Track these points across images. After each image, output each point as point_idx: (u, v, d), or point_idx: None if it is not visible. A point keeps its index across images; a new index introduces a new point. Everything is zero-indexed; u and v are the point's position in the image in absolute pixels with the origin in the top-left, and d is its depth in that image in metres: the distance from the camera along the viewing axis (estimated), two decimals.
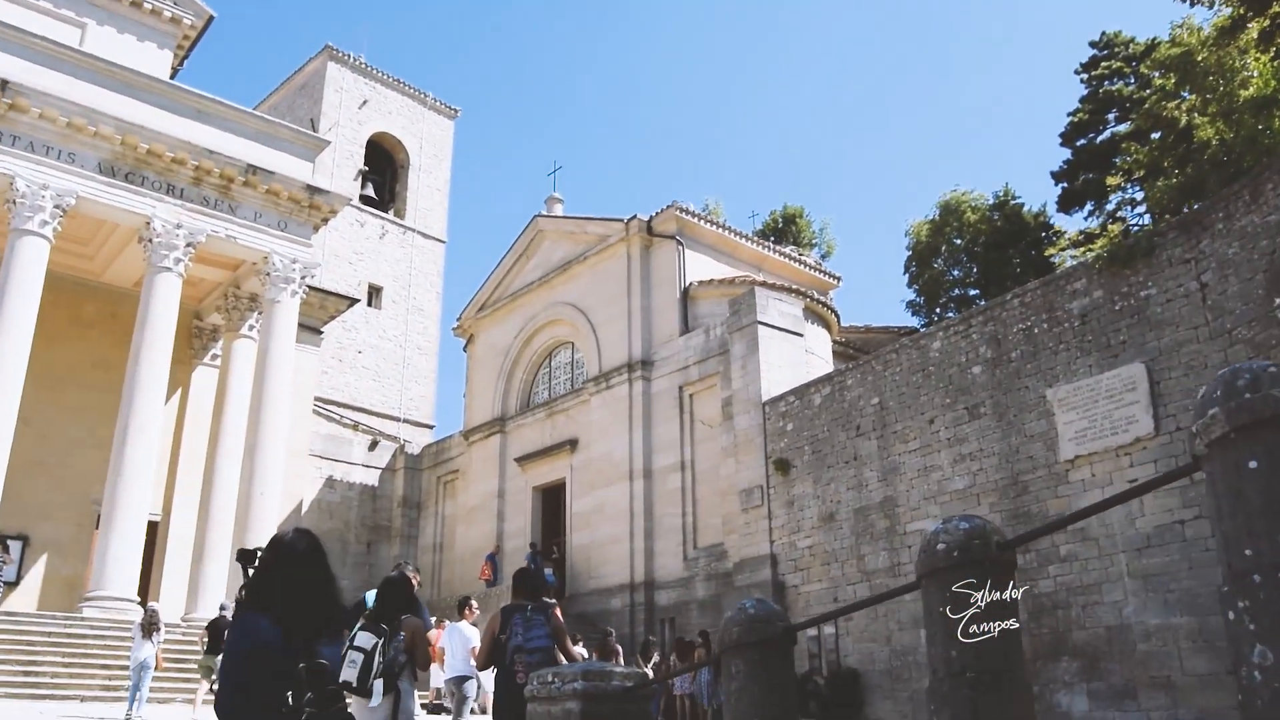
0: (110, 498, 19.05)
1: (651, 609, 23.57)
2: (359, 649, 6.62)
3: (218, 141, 21.77)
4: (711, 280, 25.65)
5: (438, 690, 17.61)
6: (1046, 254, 29.25)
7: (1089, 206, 34.77)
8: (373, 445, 32.26)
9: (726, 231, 27.68)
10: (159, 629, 14.85)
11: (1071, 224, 38.21)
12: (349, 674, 6.54)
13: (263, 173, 21.89)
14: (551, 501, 27.92)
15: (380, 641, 6.63)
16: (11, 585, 21.72)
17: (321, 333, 29.07)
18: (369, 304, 35.30)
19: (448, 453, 31.94)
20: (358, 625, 6.91)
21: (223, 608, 16.46)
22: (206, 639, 15.17)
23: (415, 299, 36.86)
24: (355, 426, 32.17)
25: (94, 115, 20.14)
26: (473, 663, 10.56)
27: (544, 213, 30.42)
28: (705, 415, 23.87)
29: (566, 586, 25.87)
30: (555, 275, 28.67)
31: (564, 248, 28.95)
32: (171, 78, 26.58)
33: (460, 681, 11.57)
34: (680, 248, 25.89)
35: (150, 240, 20.74)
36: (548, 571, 25.94)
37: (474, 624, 12.10)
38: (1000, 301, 17.52)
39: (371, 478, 32.22)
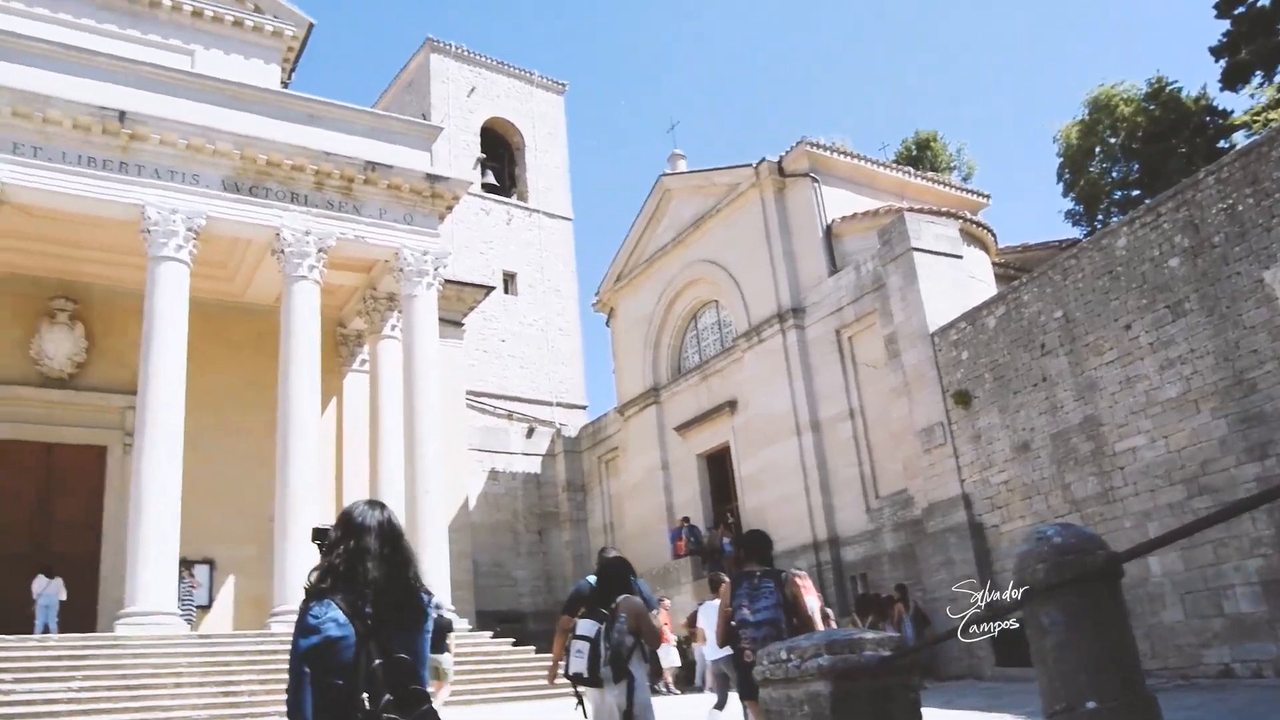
0: (281, 514, 18.96)
1: (840, 567, 22.37)
2: (583, 638, 6.36)
3: (333, 143, 21.43)
4: (854, 214, 24.11)
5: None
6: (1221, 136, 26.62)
7: (1257, 78, 31.60)
8: (529, 433, 31.90)
9: (862, 161, 26.02)
10: None
11: (1238, 102, 34.95)
12: (578, 665, 6.34)
13: (381, 168, 21.44)
14: (717, 467, 26.95)
15: (602, 627, 6.29)
16: (205, 609, 22.07)
17: (463, 325, 28.71)
18: (505, 291, 34.92)
19: (605, 431, 31.31)
20: (579, 614, 6.73)
21: (438, 606, 16.03)
22: None
23: (550, 280, 36.32)
24: (510, 416, 31.85)
25: (211, 133, 20.00)
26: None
27: (668, 171, 29.34)
28: (868, 357, 22.44)
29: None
30: (688, 234, 27.56)
31: (693, 204, 27.79)
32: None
33: (725, 662, 10.74)
34: (816, 185, 24.43)
35: (282, 251, 20.54)
36: (724, 541, 25.06)
37: None
38: (1193, 182, 15.54)
39: (533, 465, 31.87)
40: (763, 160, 24.84)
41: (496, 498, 30.92)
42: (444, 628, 14.94)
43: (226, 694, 15.40)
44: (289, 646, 3.01)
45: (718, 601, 10.79)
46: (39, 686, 14.67)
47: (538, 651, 20.49)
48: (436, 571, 20.17)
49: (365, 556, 3.02)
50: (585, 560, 29.81)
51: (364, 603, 2.93)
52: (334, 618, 2.87)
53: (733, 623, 6.87)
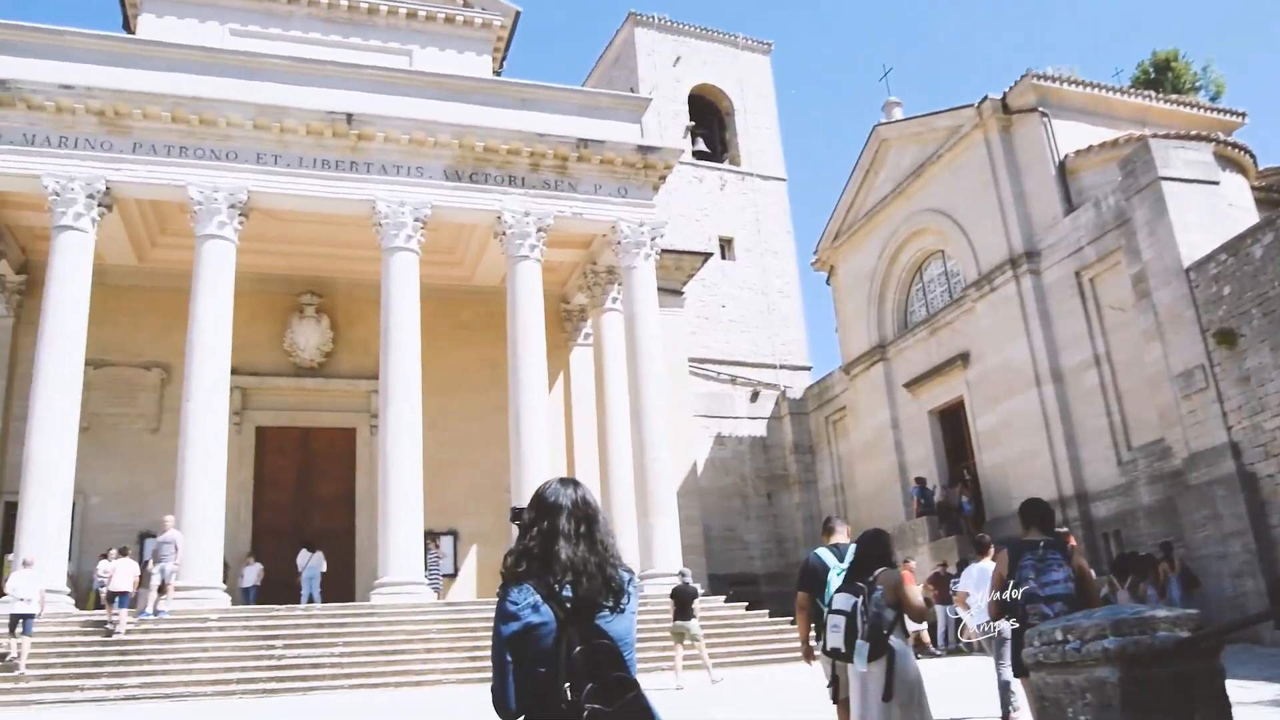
0: (516, 486, 19.65)
1: (1090, 524, 20.99)
2: (839, 612, 6.17)
3: (546, 125, 21.87)
4: (1090, 147, 22.38)
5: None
6: None
7: None
8: (754, 396, 31.73)
9: (1095, 89, 24.05)
10: None
11: None
12: (834, 640, 6.16)
13: (593, 144, 21.72)
14: (951, 423, 25.87)
15: (859, 600, 6.08)
16: (450, 577, 23.30)
17: (683, 293, 28.81)
18: (722, 256, 34.72)
19: (830, 391, 30.70)
20: (833, 588, 6.56)
21: (682, 574, 16.55)
22: (674, 606, 15.43)
23: (767, 243, 35.85)
24: (733, 381, 31.78)
25: (431, 126, 20.83)
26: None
27: (883, 120, 28.23)
28: (1112, 299, 20.84)
29: (985, 511, 23.80)
30: (908, 183, 26.46)
31: (911, 152, 26.63)
32: None
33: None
34: (1045, 119, 22.84)
35: (504, 233, 21.20)
36: (963, 500, 24.06)
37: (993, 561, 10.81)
38: None
39: (758, 429, 31.70)
40: (985, 98, 23.45)
41: (724, 462, 30.96)
42: (691, 594, 15.51)
43: (472, 658, 16.13)
44: None
45: (982, 563, 10.29)
46: (306, 652, 15.88)
47: (771, 615, 20.37)
48: (667, 537, 20.41)
49: (559, 537, 2.88)
50: (815, 522, 29.41)
51: (560, 586, 2.79)
52: (531, 602, 2.75)
53: (1008, 595, 6.39)
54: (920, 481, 25.28)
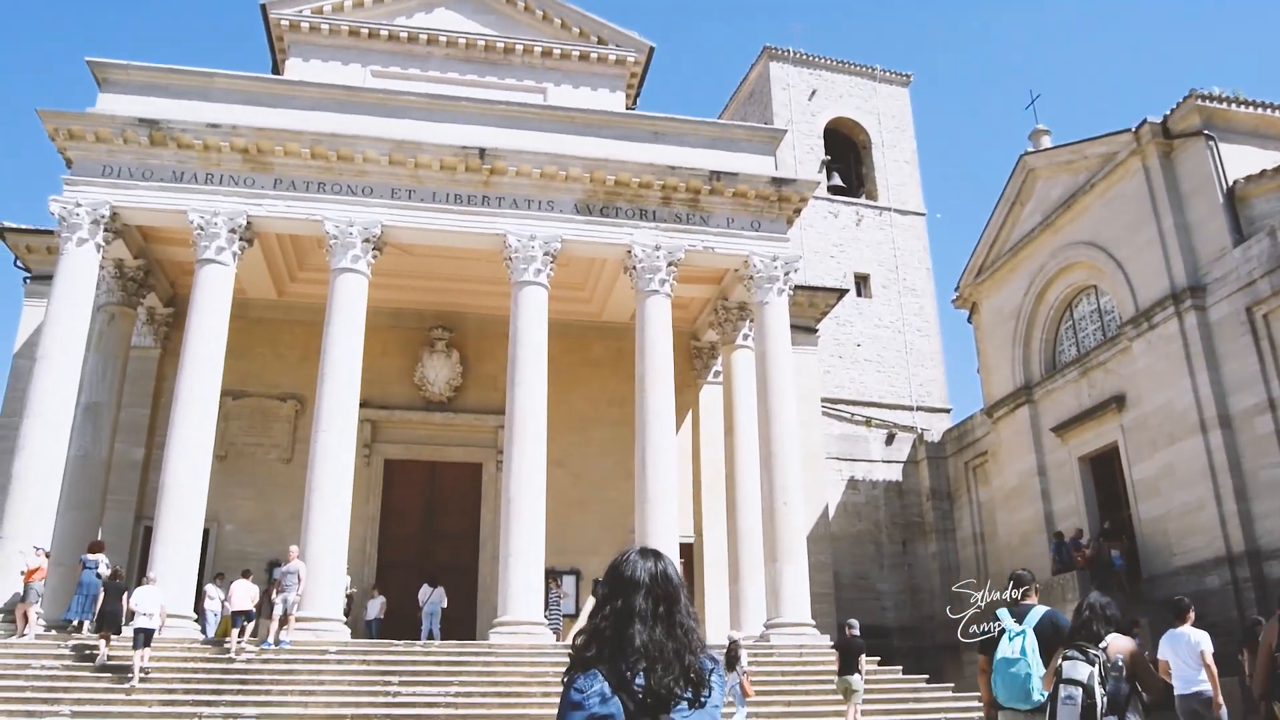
0: (641, 526, 19.11)
1: (1263, 585, 19.15)
2: (1073, 682, 5.20)
3: (677, 158, 21.49)
4: (1262, 172, 20.78)
5: None
6: None
7: None
8: (889, 439, 30.51)
9: (1266, 110, 22.33)
10: (740, 659, 14.55)
11: None
12: (1068, 715, 5.17)
13: (726, 176, 21.20)
14: (1103, 471, 24.21)
15: (1095, 670, 5.21)
16: (571, 617, 22.76)
17: (816, 331, 27.95)
18: (858, 294, 33.73)
19: (971, 435, 29.25)
20: (1060, 654, 5.52)
21: (849, 625, 15.95)
22: (839, 659, 15.08)
23: (905, 280, 34.68)
24: (868, 422, 30.64)
25: (562, 160, 20.68)
26: (1203, 676, 9.29)
27: (1030, 149, 26.91)
28: None
29: (1141, 568, 22.09)
30: (1058, 215, 25.08)
31: (1062, 182, 25.26)
32: None
33: (1197, 699, 9.55)
34: (1211, 143, 21.33)
35: (634, 267, 20.83)
36: (1114, 554, 22.38)
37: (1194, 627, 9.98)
38: None
39: (894, 473, 30.45)
40: (1144, 123, 22.04)
41: (857, 507, 29.80)
42: (857, 648, 15.09)
43: None
44: None
45: (1184, 629, 9.76)
46: (421, 690, 15.58)
47: (904, 673, 19.18)
48: (796, 585, 19.50)
49: (634, 618, 2.54)
50: (953, 573, 27.96)
51: (633, 674, 2.47)
52: (599, 691, 2.43)
53: None
54: (1059, 536, 23.71)
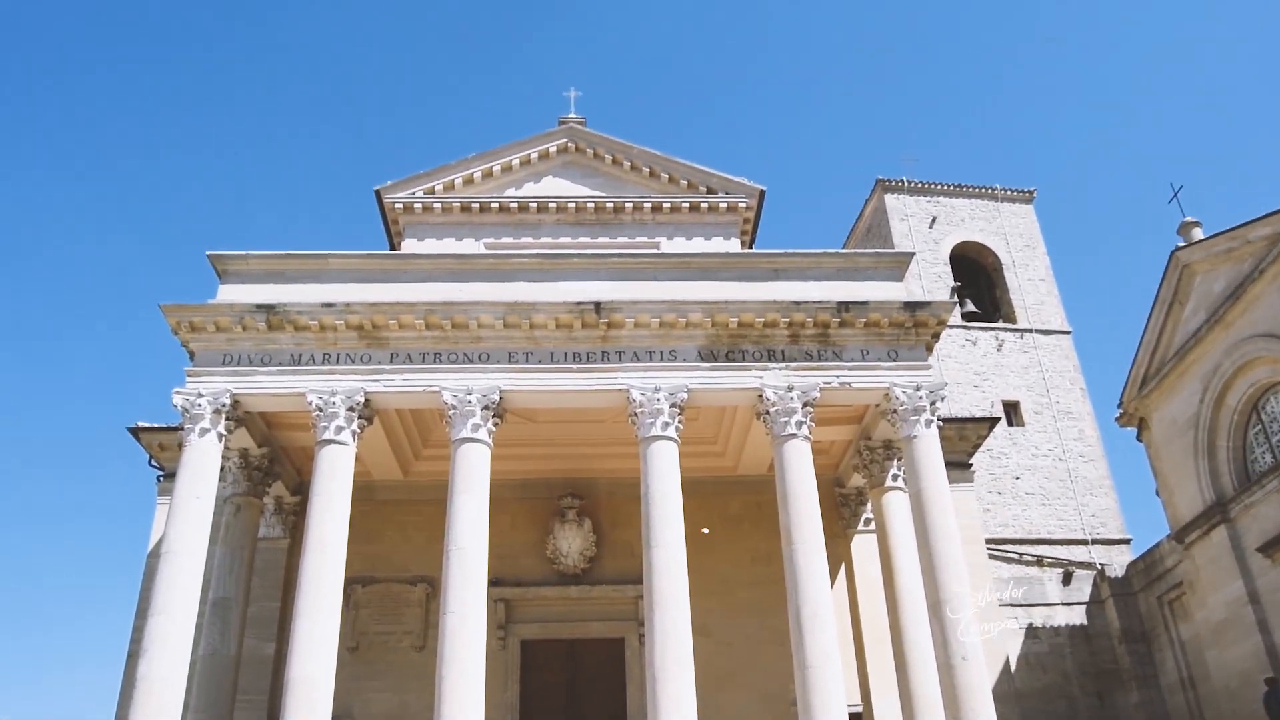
0: (803, 697, 17.02)
1: None
2: None
3: (800, 293, 20.36)
4: None
5: None
6: None
7: None
8: (1067, 579, 27.68)
9: None
10: None
11: None
12: None
13: (855, 307, 19.89)
14: None
15: None
16: None
17: (970, 466, 25.80)
18: (1009, 423, 31.49)
19: (1161, 565, 26.25)
20: None
21: None
22: None
23: (1058, 403, 32.29)
24: (1040, 562, 27.96)
25: (680, 307, 19.75)
26: None
27: (1181, 244, 24.92)
28: None
29: None
30: (1225, 310, 22.87)
31: (1224, 273, 23.16)
32: None
33: None
34: None
35: (767, 412, 19.45)
36: None
37: None
38: None
39: (1076, 616, 27.46)
40: None
41: (1040, 658, 26.85)
42: None
43: None
44: None
45: None
46: None
47: None
48: None
49: None
50: None
51: None
52: None
53: None
54: (1271, 683, 20.55)
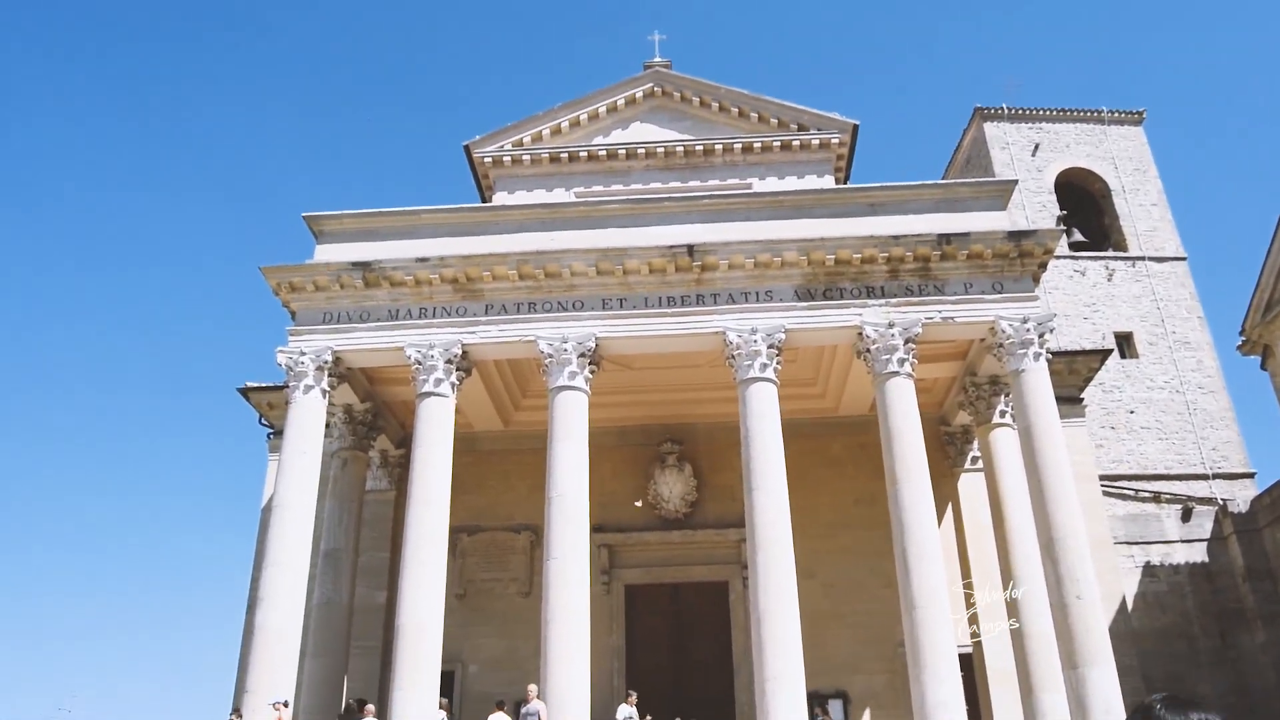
0: (911, 638, 16.75)
1: None
2: None
3: (898, 226, 19.71)
4: None
5: None
6: None
7: None
8: (1186, 515, 26.64)
9: None
10: None
11: None
12: None
13: (956, 239, 19.18)
14: None
15: None
16: None
17: (1082, 401, 24.88)
18: (1121, 355, 30.25)
19: None
20: None
21: None
22: None
23: (1175, 333, 30.89)
24: (1157, 498, 26.97)
25: (775, 246, 19.32)
26: None
27: None
28: None
29: None
30: None
31: None
32: None
33: None
34: None
35: (868, 351, 18.97)
36: None
37: None
38: None
39: (1197, 553, 26.45)
40: None
41: (1158, 597, 25.97)
42: None
43: None
44: None
45: None
46: None
47: None
48: (1107, 693, 16.52)
49: None
50: None
51: None
52: None
53: None
54: None
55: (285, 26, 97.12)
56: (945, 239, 19.23)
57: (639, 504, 23.25)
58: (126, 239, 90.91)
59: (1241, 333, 25.86)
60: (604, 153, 28.80)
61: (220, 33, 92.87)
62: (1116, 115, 35.00)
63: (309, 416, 18.96)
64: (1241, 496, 27.47)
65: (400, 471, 23.51)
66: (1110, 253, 32.50)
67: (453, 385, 19.11)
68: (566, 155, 28.90)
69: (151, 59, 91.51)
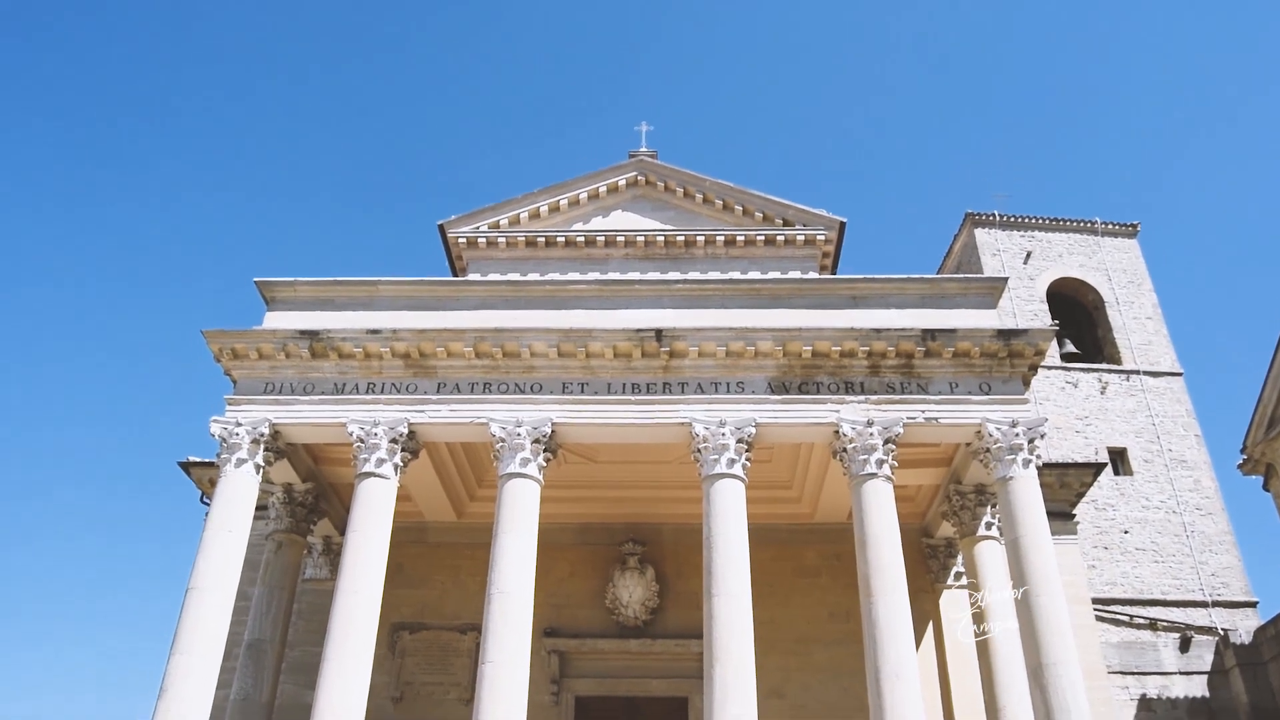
0: None
1: None
2: None
3: (881, 320, 18.62)
4: None
5: None
6: None
7: None
8: (1184, 644, 24.94)
9: None
10: None
11: None
12: None
13: (942, 335, 18.03)
14: None
15: None
16: None
17: (1073, 517, 23.43)
18: (1115, 471, 28.93)
19: None
20: None
21: None
22: None
23: (1171, 450, 29.63)
24: (1153, 625, 25.34)
25: (749, 335, 18.14)
26: None
27: None
28: None
29: None
30: None
31: None
32: None
33: None
34: None
35: (844, 450, 17.62)
36: None
37: None
38: None
39: (1196, 687, 24.67)
40: None
41: None
42: None
43: None
44: None
45: None
46: None
47: None
48: None
49: None
50: None
51: None
52: None
53: None
54: None
55: (259, 92, 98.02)
56: (930, 334, 18.08)
57: (595, 609, 21.59)
58: (105, 289, 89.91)
59: (1243, 450, 24.58)
60: (582, 239, 27.90)
61: (181, 92, 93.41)
62: (1110, 227, 34.36)
63: (239, 492, 17.47)
64: (1243, 626, 25.82)
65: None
66: (1104, 365, 31.47)
67: (396, 466, 17.68)
68: (543, 240, 27.99)
69: (107, 109, 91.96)
